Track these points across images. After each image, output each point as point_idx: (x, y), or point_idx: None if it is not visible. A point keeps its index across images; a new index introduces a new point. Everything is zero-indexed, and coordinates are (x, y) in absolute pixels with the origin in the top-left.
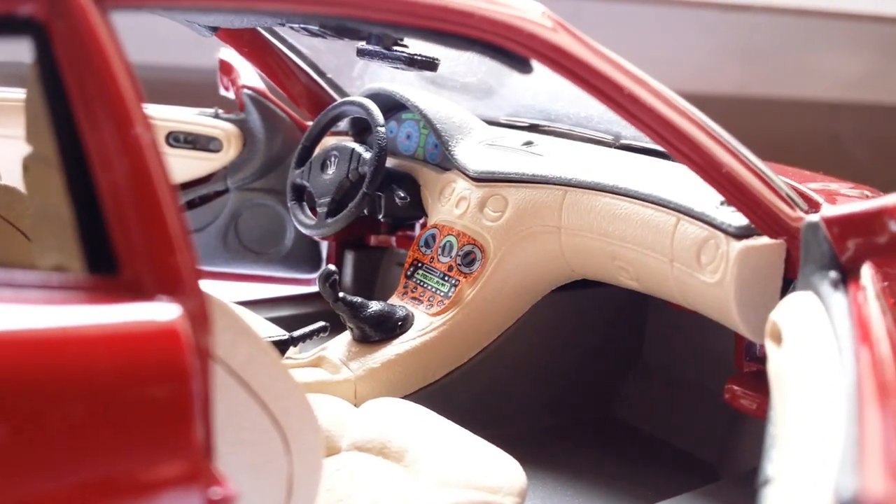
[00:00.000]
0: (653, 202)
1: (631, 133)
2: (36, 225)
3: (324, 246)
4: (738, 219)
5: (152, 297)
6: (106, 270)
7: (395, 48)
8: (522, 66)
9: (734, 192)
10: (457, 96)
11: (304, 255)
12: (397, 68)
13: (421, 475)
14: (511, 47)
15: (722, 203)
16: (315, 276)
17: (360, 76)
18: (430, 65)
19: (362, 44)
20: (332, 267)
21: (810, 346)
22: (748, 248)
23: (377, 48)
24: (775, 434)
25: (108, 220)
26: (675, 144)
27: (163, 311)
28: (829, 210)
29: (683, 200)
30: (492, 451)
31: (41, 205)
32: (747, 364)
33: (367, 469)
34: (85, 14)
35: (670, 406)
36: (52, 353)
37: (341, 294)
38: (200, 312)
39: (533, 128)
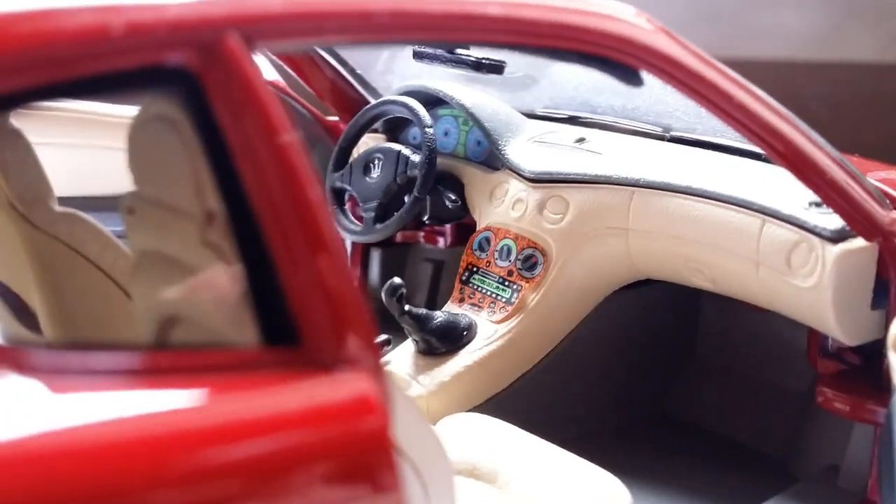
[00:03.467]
0: (735, 204)
1: (682, 125)
2: (140, 269)
3: (348, 243)
4: (831, 221)
5: (334, 369)
6: (285, 342)
7: (459, 51)
8: (633, 78)
9: (837, 196)
10: (492, 90)
11: None
12: (463, 72)
13: (519, 498)
14: (626, 60)
15: (811, 204)
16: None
17: (386, 71)
18: (497, 68)
19: (418, 46)
20: (398, 280)
21: None
22: (846, 251)
23: (437, 51)
24: None
25: (288, 289)
26: (782, 152)
27: (355, 383)
28: None
29: (768, 202)
30: (590, 469)
31: (152, 251)
32: (821, 361)
33: (463, 493)
34: (238, 60)
35: (732, 401)
36: (265, 438)
37: (407, 307)
38: (381, 376)
39: (573, 120)
